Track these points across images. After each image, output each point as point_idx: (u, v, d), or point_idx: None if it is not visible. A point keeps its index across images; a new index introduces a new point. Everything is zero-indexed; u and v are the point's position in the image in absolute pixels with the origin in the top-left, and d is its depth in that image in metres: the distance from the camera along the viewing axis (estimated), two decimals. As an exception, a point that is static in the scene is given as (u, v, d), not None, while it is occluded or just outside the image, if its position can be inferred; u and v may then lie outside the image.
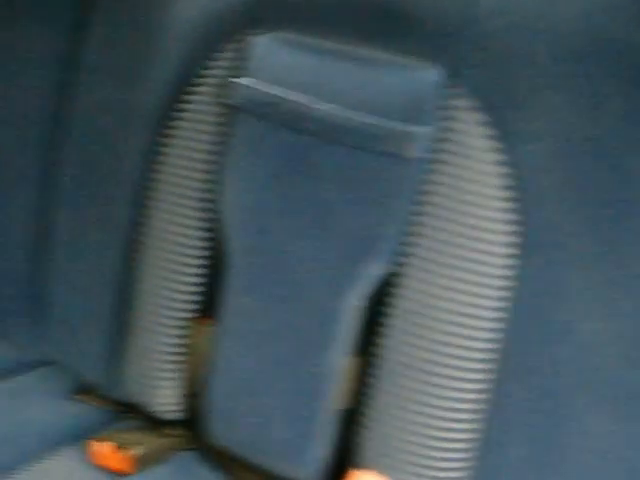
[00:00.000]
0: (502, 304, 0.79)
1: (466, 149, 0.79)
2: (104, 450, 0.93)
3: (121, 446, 0.93)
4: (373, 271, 0.83)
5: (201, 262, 0.91)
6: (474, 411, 0.81)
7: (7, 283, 1.04)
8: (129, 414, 1.01)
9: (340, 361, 0.85)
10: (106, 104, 0.96)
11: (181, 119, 0.92)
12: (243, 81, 0.87)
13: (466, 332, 0.80)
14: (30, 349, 1.06)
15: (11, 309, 1.05)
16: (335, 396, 0.86)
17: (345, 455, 0.87)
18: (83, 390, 1.03)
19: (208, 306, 0.91)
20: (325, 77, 0.85)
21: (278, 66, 0.86)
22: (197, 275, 0.92)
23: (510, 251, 0.79)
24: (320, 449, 0.86)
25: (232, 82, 0.88)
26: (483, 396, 0.81)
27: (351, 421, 0.86)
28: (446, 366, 0.80)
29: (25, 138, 1.01)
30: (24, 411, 1.00)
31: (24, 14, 1.00)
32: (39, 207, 1.01)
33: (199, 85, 0.91)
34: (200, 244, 0.91)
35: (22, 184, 1.01)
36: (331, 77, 0.84)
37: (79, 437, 0.97)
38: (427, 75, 0.81)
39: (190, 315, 0.92)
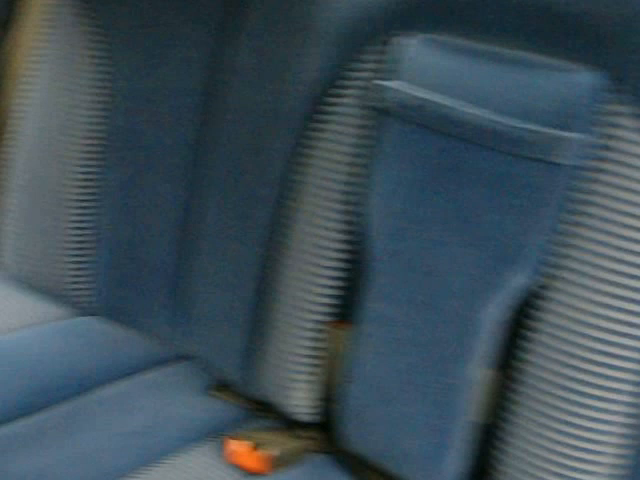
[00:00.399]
0: None
1: (628, 158, 0.76)
2: (241, 449, 0.93)
3: (257, 446, 0.93)
4: (517, 281, 0.80)
5: (340, 265, 0.91)
6: (620, 435, 0.77)
7: (152, 278, 1.06)
8: (264, 413, 1.01)
9: (479, 373, 0.83)
10: (252, 105, 0.96)
11: (326, 121, 0.91)
12: (391, 84, 0.86)
13: (616, 351, 0.76)
14: (171, 343, 1.08)
15: (154, 303, 1.06)
16: (473, 409, 0.84)
17: (481, 470, 0.85)
18: (220, 386, 1.04)
19: (346, 310, 0.91)
20: (475, 80, 0.82)
21: (427, 69, 0.85)
22: (336, 279, 0.91)
23: None
24: (456, 462, 0.85)
25: (379, 84, 0.87)
26: (632, 421, 0.77)
27: (489, 435, 0.84)
28: (593, 385, 0.77)
29: (174, 137, 1.02)
30: (163, 405, 1.02)
31: (174, 15, 1.02)
32: (186, 205, 1.02)
33: (345, 87, 0.90)
34: (340, 247, 0.90)
35: (171, 182, 1.03)
36: (482, 80, 0.82)
37: (215, 433, 0.98)
38: (584, 79, 0.77)
39: (328, 319, 0.92)
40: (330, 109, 0.91)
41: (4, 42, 1.12)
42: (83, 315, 1.11)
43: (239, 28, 0.98)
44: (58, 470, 0.92)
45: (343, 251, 0.91)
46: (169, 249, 1.04)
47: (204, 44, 1.00)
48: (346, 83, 0.90)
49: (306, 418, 0.96)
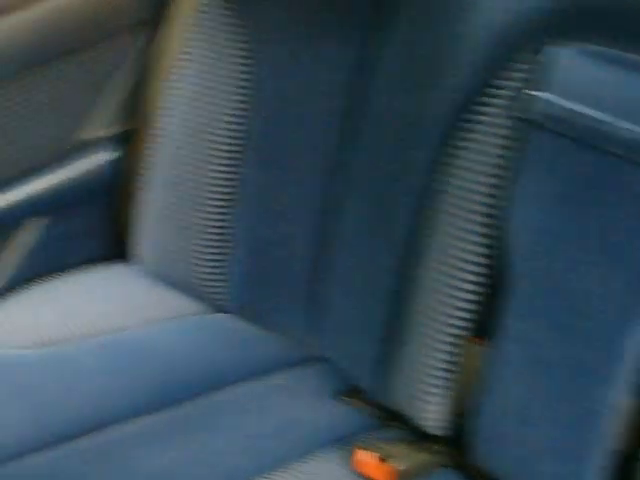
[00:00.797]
0: None
1: None
2: (368, 460, 0.92)
3: (386, 457, 0.92)
4: None
5: (479, 280, 0.88)
6: None
7: (287, 279, 1.05)
8: (394, 422, 0.99)
9: (621, 400, 0.79)
10: (396, 111, 0.94)
11: (471, 130, 0.88)
12: (540, 94, 0.83)
13: None
14: (303, 345, 1.07)
15: (289, 305, 1.06)
16: (613, 436, 0.80)
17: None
18: (351, 392, 1.03)
19: (484, 326, 0.88)
20: (631, 93, 0.78)
21: (579, 80, 0.81)
22: (473, 293, 0.88)
23: None
24: (592, 489, 0.81)
25: (528, 94, 0.83)
26: None
27: (628, 464, 0.80)
28: None
29: (315, 140, 1.01)
30: (293, 408, 1.02)
31: (320, 17, 1.00)
32: (324, 209, 1.01)
33: (492, 96, 0.87)
34: (480, 261, 0.88)
35: (309, 185, 1.02)
36: (638, 94, 0.78)
37: (343, 441, 0.97)
38: None
39: (463, 333, 0.89)
40: (476, 118, 0.88)
41: (152, 41, 1.13)
42: (216, 312, 1.12)
43: (387, 32, 0.95)
44: (185, 469, 0.93)
45: (482, 265, 0.88)
46: (306, 251, 1.03)
47: (350, 47, 0.98)
48: (494, 92, 0.87)
49: (437, 431, 0.94)
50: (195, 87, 1.07)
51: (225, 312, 1.11)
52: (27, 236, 1.14)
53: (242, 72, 1.04)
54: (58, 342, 1.04)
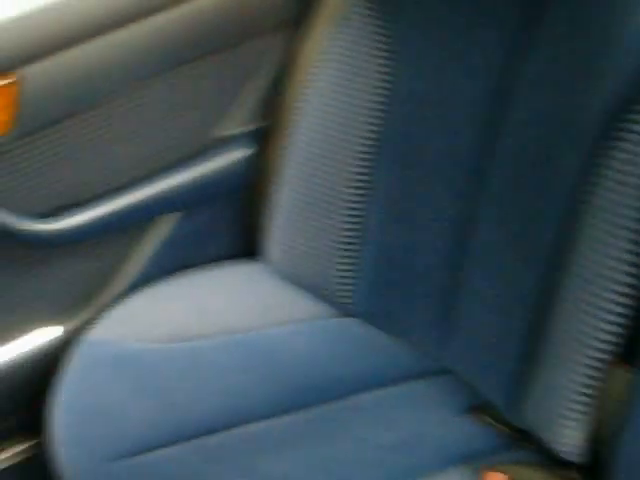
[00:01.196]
0: None
1: None
2: (496, 481, 0.89)
3: (514, 480, 0.88)
4: None
5: (626, 302, 0.83)
6: None
7: (417, 286, 1.02)
8: (524, 443, 0.95)
9: None
10: (543, 117, 0.89)
11: (623, 139, 0.83)
12: None
13: None
14: (431, 355, 1.04)
15: (417, 312, 1.03)
16: None
17: None
18: (480, 408, 1.00)
19: (630, 350, 0.83)
20: None
21: None
22: (620, 315, 0.83)
23: None
24: None
25: None
26: None
27: None
28: None
29: (452, 144, 0.97)
30: (419, 421, 0.99)
31: (464, 19, 0.96)
32: (460, 216, 0.97)
33: None
34: (627, 281, 0.83)
35: (444, 191, 0.98)
36: None
37: (470, 458, 0.94)
38: None
39: (607, 357, 0.84)
40: (629, 127, 0.83)
41: (294, 41, 1.12)
42: (345, 316, 1.10)
43: (536, 34, 0.91)
44: (303, 476, 0.91)
45: (631, 286, 0.83)
46: (437, 258, 1.00)
47: (494, 50, 0.93)
48: None
49: (570, 457, 0.89)
50: (333, 87, 1.04)
51: (354, 317, 1.09)
52: (161, 231, 1.14)
53: (381, 73, 1.01)
54: (187, 338, 1.04)
